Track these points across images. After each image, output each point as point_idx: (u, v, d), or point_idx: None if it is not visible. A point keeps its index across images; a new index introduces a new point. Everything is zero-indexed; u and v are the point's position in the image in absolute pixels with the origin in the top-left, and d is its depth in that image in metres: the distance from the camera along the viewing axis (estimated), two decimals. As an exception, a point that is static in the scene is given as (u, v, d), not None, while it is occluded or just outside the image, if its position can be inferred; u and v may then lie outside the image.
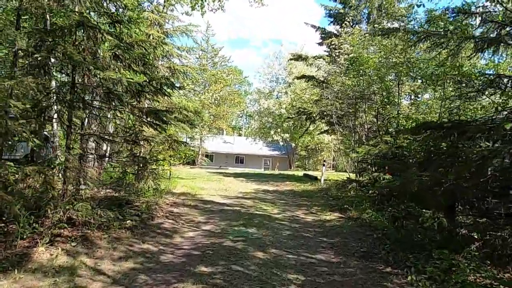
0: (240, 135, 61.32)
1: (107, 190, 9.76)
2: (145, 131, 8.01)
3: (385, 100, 10.79)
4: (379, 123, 10.98)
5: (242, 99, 48.43)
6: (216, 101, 39.09)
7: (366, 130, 16.35)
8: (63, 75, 6.10)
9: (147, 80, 6.67)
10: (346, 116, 16.88)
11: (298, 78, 19.63)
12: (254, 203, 11.37)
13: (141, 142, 7.78)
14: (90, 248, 4.96)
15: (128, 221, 6.50)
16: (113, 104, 6.24)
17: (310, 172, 30.10)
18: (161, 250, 5.45)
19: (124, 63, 6.29)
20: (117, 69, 6.31)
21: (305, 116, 17.80)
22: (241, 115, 76.43)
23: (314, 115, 18.64)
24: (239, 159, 49.48)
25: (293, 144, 44.34)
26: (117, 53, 5.97)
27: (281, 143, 44.45)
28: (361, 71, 11.85)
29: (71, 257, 4.54)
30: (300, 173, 30.84)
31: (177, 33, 10.33)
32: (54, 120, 6.74)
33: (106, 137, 6.68)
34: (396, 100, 10.54)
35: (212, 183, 16.83)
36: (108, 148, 10.09)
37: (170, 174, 14.84)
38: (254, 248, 5.79)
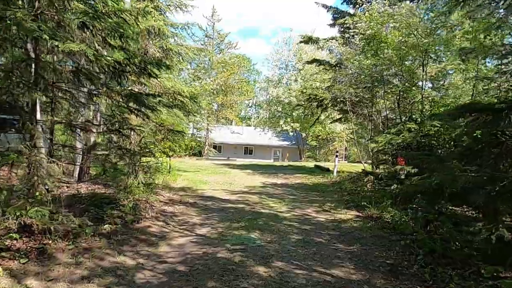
0: (249, 125, 60.26)
1: (96, 186, 8.85)
2: (131, 120, 6.98)
3: (407, 83, 9.53)
4: (401, 108, 9.77)
5: (250, 87, 47.21)
6: (223, 90, 37.95)
7: (382, 117, 15.12)
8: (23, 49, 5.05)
9: (128, 58, 5.59)
10: (361, 103, 15.67)
11: (308, 62, 18.41)
12: (260, 199, 10.33)
13: (126, 132, 6.76)
14: (46, 265, 3.96)
15: (106, 226, 5.51)
16: (84, 86, 5.19)
17: (321, 163, 28.94)
18: (139, 265, 4.43)
19: (96, 36, 5.22)
20: (88, 42, 5.25)
21: (317, 103, 16.58)
22: (250, 105, 75.28)
23: (326, 102, 17.40)
24: (248, 150, 48.45)
25: (303, 134, 43.08)
26: (85, 22, 4.89)
27: (291, 133, 43.23)
28: (379, 51, 10.60)
29: (15, 280, 3.54)
30: (311, 164, 29.71)
31: (171, 9, 9.17)
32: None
33: (78, 125, 5.65)
34: (421, 82, 9.29)
35: (216, 176, 15.84)
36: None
37: (170, 167, 13.88)
38: (255, 261, 4.73)
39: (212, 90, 35.59)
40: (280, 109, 40.91)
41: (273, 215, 7.98)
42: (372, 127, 16.98)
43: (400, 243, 5.70)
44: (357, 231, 6.79)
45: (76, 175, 9.23)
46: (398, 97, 9.43)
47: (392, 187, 8.05)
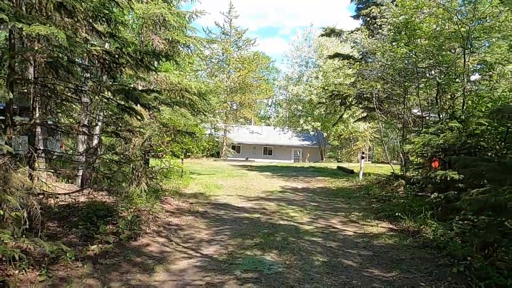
0: (268, 125, 59.31)
1: (99, 194, 8.12)
2: (131, 120, 6.17)
3: (447, 76, 8.35)
4: (439, 105, 8.58)
5: (269, 85, 46.22)
6: (241, 88, 37.08)
7: (413, 115, 13.89)
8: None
9: (119, 48, 4.75)
10: (389, 99, 14.48)
11: (331, 57, 17.31)
12: (279, 207, 9.39)
13: (125, 134, 5.94)
14: (2, 307, 3.17)
15: (93, 247, 4.69)
16: (65, 78, 4.39)
17: (344, 164, 27.68)
18: (125, 302, 3.58)
19: (80, 21, 4.41)
20: (72, 29, 4.45)
21: (340, 100, 15.48)
22: (269, 104, 74.24)
23: (350, 99, 16.27)
24: (267, 151, 47.51)
25: (325, 134, 41.78)
26: (63, 2, 4.08)
27: (311, 133, 42.00)
28: (413, 39, 9.45)
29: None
30: (334, 165, 28.49)
31: (179, -3, 8.40)
32: None
33: (61, 128, 4.87)
34: (462, 75, 8.08)
35: (232, 180, 14.98)
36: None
37: (182, 170, 13.13)
38: (271, 297, 3.80)
39: (226, 87, 34.74)
40: (301, 108, 39.71)
41: (293, 228, 7.02)
42: (401, 126, 15.75)
43: (451, 271, 4.64)
44: (393, 250, 5.75)
45: (79, 182, 8.56)
46: (436, 91, 8.24)
47: (433, 196, 6.93)
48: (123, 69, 5.15)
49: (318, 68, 37.35)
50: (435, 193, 6.98)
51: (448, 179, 6.73)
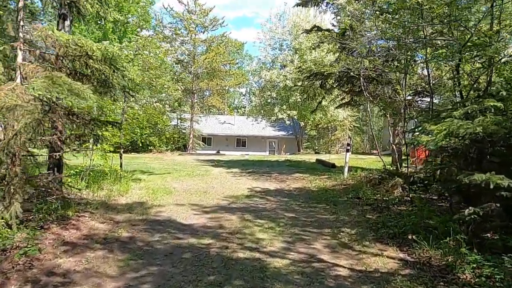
0: (242, 115, 56.66)
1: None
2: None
3: (473, 38, 6.05)
4: (460, 79, 6.33)
5: (241, 72, 43.51)
6: (208, 74, 34.09)
7: (410, 95, 11.79)
8: None
9: None
10: (379, 80, 12.24)
11: (308, 31, 14.90)
12: (242, 222, 6.98)
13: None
14: None
15: None
16: None
17: (323, 156, 25.64)
18: None
19: None
20: None
21: (320, 81, 13.15)
22: (244, 93, 71.21)
23: (331, 80, 13.97)
24: (241, 142, 45.06)
25: (302, 123, 39.59)
26: None
27: (287, 122, 39.78)
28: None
29: None
30: (312, 157, 26.40)
31: None
32: None
33: None
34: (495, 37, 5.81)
35: (190, 181, 12.43)
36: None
37: (119, 173, 10.48)
38: None
39: (190, 72, 31.47)
40: (275, 95, 37.25)
41: (258, 267, 4.62)
42: (392, 111, 13.64)
43: None
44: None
45: None
46: (458, 60, 5.96)
47: (467, 212, 4.68)
48: None
49: (294, 51, 34.86)
50: (469, 208, 4.72)
51: (491, 186, 4.50)
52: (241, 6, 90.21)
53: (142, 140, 28.86)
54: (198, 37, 32.98)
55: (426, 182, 8.58)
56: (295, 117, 38.17)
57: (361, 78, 11.48)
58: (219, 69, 33.18)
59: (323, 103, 21.55)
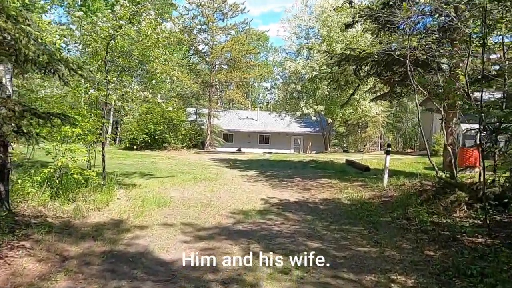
0: (267, 110, 54.52)
1: None
2: None
3: None
4: None
5: (265, 63, 41.34)
6: (228, 66, 32.10)
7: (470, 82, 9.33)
8: None
9: None
10: (428, 64, 9.85)
11: (337, 9, 12.60)
12: (246, 259, 4.88)
13: None
14: None
15: None
16: None
17: (354, 156, 23.15)
18: None
19: None
20: None
21: (355, 66, 10.86)
22: (269, 88, 68.82)
23: (367, 67, 11.65)
24: (264, 139, 42.95)
25: (329, 119, 36.99)
26: None
27: (313, 118, 37.28)
28: None
29: None
30: (340, 157, 23.97)
31: None
32: None
33: None
34: None
35: (194, 187, 10.48)
36: None
37: (104, 176, 8.66)
38: None
39: (207, 62, 29.30)
40: (300, 88, 34.84)
41: None
42: (445, 105, 11.14)
43: None
44: None
45: None
46: None
47: None
48: None
49: (322, 39, 32.30)
50: None
51: None
52: (265, 2, 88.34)
53: (156, 137, 27.34)
54: (216, 25, 31.02)
55: (507, 200, 6.28)
56: (322, 112, 35.68)
57: (407, 62, 9.12)
58: (239, 60, 31.11)
59: (355, 95, 19.11)
